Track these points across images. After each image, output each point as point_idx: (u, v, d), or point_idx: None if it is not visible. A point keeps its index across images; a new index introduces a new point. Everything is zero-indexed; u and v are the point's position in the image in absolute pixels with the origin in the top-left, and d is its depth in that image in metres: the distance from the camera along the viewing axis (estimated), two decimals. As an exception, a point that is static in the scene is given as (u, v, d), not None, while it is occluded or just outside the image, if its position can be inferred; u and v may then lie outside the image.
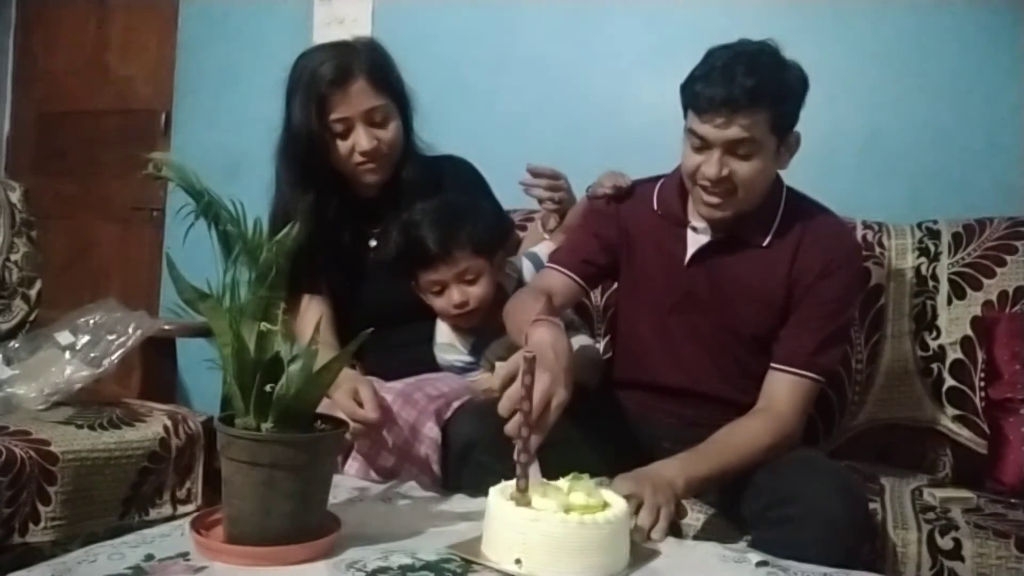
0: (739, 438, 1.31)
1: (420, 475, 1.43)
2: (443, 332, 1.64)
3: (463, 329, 1.63)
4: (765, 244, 1.42)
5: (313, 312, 1.62)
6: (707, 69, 1.33)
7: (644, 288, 1.52)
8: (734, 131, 1.30)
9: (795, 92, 1.34)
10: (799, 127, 1.40)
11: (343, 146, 1.59)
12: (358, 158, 1.60)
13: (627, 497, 1.09)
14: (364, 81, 1.58)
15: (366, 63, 1.60)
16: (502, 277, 1.63)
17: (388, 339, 1.49)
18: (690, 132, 1.36)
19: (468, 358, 1.63)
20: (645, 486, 1.16)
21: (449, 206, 1.58)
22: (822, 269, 1.38)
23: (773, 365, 1.39)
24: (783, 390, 1.36)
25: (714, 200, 1.37)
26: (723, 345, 1.45)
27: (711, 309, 1.45)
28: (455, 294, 1.55)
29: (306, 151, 1.59)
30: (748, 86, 1.27)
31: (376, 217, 1.69)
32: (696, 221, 1.46)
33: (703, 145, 1.34)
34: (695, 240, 1.46)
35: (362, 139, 1.58)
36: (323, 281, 1.65)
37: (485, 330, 1.60)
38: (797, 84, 1.34)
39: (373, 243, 1.70)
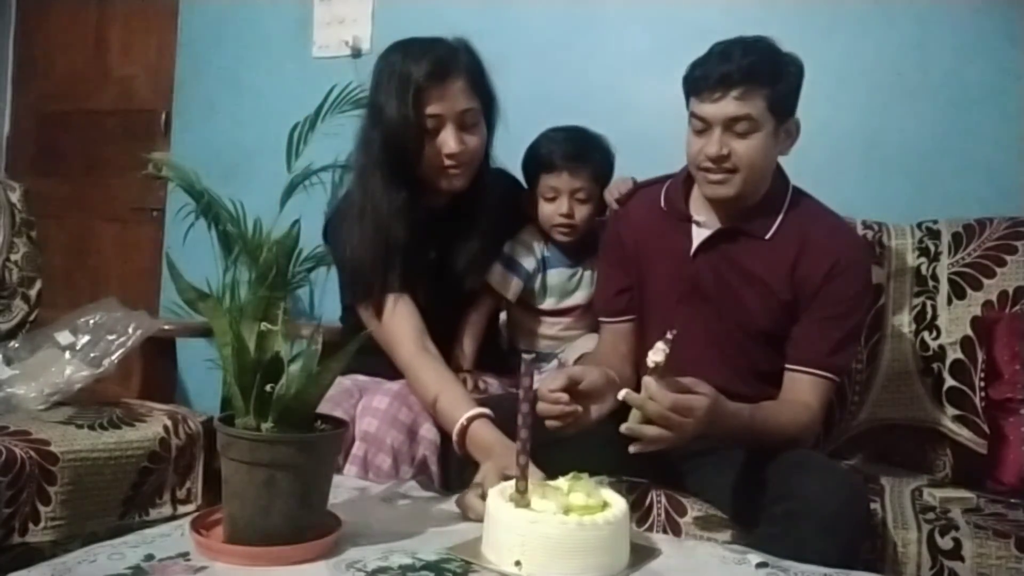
0: (780, 413, 1.34)
1: (418, 475, 1.44)
2: (532, 232, 1.77)
3: (552, 243, 1.76)
4: (768, 236, 1.44)
5: (402, 312, 1.55)
6: (706, 56, 1.39)
7: (652, 283, 1.54)
8: (732, 107, 1.34)
9: (791, 75, 1.38)
10: (801, 125, 1.42)
11: (430, 145, 1.53)
12: (445, 160, 1.54)
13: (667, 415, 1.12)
14: (463, 81, 1.54)
15: (466, 63, 1.56)
16: (595, 223, 1.74)
17: None
18: (691, 117, 1.41)
19: (533, 266, 1.74)
20: (687, 427, 1.14)
21: (587, 134, 1.74)
22: (830, 269, 1.40)
23: (790, 367, 1.41)
24: (804, 389, 1.38)
25: (716, 178, 1.39)
26: (730, 338, 1.47)
27: (717, 301, 1.46)
28: (565, 204, 1.69)
29: (402, 144, 1.52)
30: (744, 63, 1.33)
31: (440, 227, 1.64)
32: (699, 215, 1.49)
33: (704, 127, 1.38)
34: (699, 233, 1.48)
35: (451, 140, 1.52)
36: (410, 282, 1.57)
37: (565, 254, 1.76)
38: (793, 68, 1.39)
39: (432, 254, 1.65)
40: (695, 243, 1.48)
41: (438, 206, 1.65)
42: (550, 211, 1.70)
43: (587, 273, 1.75)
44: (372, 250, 1.55)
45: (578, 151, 1.69)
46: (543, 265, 1.75)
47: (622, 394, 1.16)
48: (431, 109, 1.51)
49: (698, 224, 1.49)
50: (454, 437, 1.36)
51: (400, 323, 1.54)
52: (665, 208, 1.54)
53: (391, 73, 1.53)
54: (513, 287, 1.73)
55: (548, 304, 1.76)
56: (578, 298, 1.76)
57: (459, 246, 1.65)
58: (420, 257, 1.62)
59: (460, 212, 1.65)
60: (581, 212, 1.69)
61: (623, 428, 1.14)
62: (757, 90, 1.34)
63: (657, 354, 1.15)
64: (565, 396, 1.23)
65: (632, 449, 1.14)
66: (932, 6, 2.02)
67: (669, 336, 1.17)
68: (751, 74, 1.33)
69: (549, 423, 1.23)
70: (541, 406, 1.21)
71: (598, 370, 1.30)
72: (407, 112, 1.49)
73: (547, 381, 1.25)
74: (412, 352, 1.51)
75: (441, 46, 1.56)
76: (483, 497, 1.11)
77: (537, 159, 1.73)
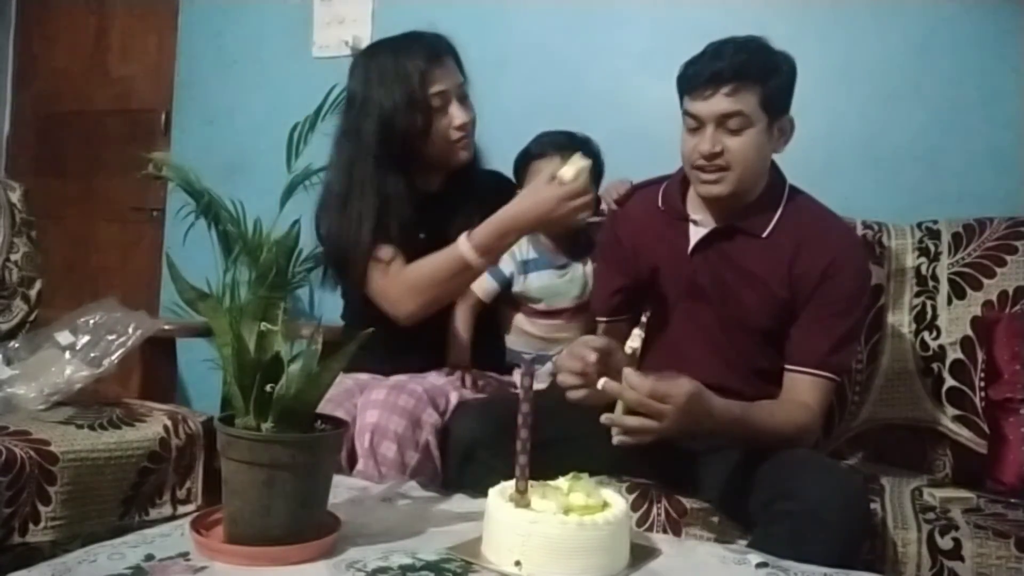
0: (777, 412, 1.34)
1: (423, 463, 1.46)
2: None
3: (538, 246, 1.79)
4: (765, 235, 1.44)
5: (403, 264, 1.62)
6: (698, 55, 1.40)
7: (650, 283, 1.54)
8: (723, 104, 1.35)
9: (783, 72, 1.39)
10: (799, 125, 1.43)
11: (438, 122, 1.62)
12: (455, 133, 1.63)
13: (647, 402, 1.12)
14: (452, 58, 1.66)
15: (447, 44, 1.67)
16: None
17: (413, 336, 1.61)
18: (684, 115, 1.42)
19: (510, 270, 1.78)
20: (666, 414, 1.14)
21: (576, 134, 1.81)
22: (826, 268, 1.40)
23: (790, 367, 1.41)
24: (804, 389, 1.38)
25: (710, 177, 1.40)
26: (728, 337, 1.47)
27: (715, 300, 1.46)
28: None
29: (407, 128, 1.60)
30: (735, 61, 1.34)
31: (431, 209, 1.69)
32: (696, 214, 1.49)
33: (697, 125, 1.39)
34: (696, 232, 1.49)
35: (459, 112, 1.63)
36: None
37: (552, 256, 1.79)
38: (785, 66, 1.39)
39: (422, 236, 1.70)
40: (692, 242, 1.48)
41: (430, 189, 1.70)
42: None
43: (577, 274, 1.75)
44: (368, 224, 1.61)
45: (569, 141, 1.74)
46: (524, 268, 1.77)
47: (601, 383, 1.16)
48: (436, 87, 1.60)
49: (695, 223, 1.49)
50: (475, 256, 1.50)
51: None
52: (663, 208, 1.54)
53: (383, 69, 1.61)
54: (486, 287, 1.74)
55: (539, 306, 1.76)
56: (568, 300, 1.76)
57: (450, 226, 1.67)
58: (410, 238, 1.67)
59: (451, 193, 1.70)
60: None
61: (603, 419, 1.15)
62: (748, 86, 1.35)
63: (634, 340, 1.16)
64: (594, 356, 1.24)
65: (615, 440, 1.15)
66: (932, 6, 2.02)
67: (644, 319, 1.18)
68: (742, 71, 1.34)
69: (564, 379, 1.25)
70: (564, 360, 1.25)
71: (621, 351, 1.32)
72: (415, 95, 1.58)
73: (584, 339, 1.29)
74: None
75: (423, 34, 1.66)
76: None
77: (529, 150, 1.77)
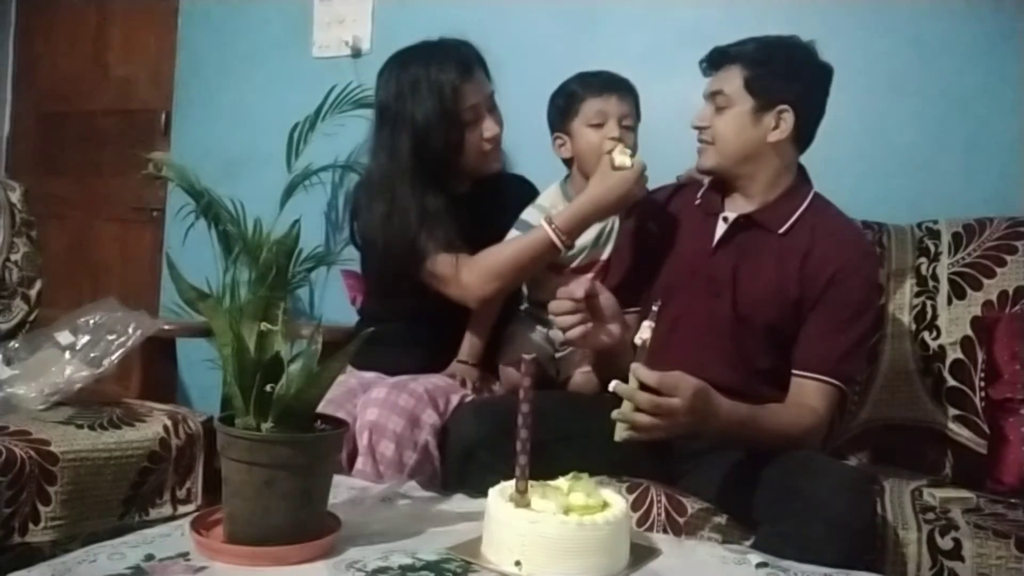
0: (783, 414, 1.36)
1: (422, 463, 1.46)
2: (549, 196, 1.75)
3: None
4: (781, 232, 1.46)
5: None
6: None
7: (669, 276, 1.55)
8: (711, 83, 1.48)
9: (777, 61, 1.43)
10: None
11: (471, 134, 1.64)
12: (486, 145, 1.66)
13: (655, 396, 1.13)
14: (480, 69, 1.68)
15: (476, 53, 1.68)
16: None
17: (422, 335, 1.67)
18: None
19: None
20: (675, 409, 1.14)
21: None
22: (835, 273, 1.41)
23: (797, 372, 1.41)
24: (810, 394, 1.39)
25: (700, 147, 1.50)
26: (736, 334, 1.47)
27: (727, 293, 1.47)
28: (615, 128, 1.66)
29: (443, 142, 1.61)
30: (731, 45, 1.44)
31: (464, 212, 1.69)
32: (729, 211, 1.51)
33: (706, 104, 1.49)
34: (722, 227, 1.51)
35: (491, 124, 1.66)
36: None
37: None
38: (782, 57, 1.44)
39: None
40: (717, 237, 1.50)
41: (462, 193, 1.71)
42: (598, 139, 1.64)
43: (613, 226, 1.72)
44: (416, 241, 1.62)
45: (619, 79, 1.71)
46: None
47: (612, 385, 1.16)
48: (469, 102, 1.62)
49: (726, 220, 1.51)
50: (560, 241, 1.56)
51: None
52: (700, 202, 1.56)
53: (415, 83, 1.61)
54: None
55: (575, 263, 1.73)
56: (605, 252, 1.73)
57: (478, 231, 1.67)
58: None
59: (479, 198, 1.72)
60: (629, 141, 1.66)
61: (615, 415, 1.14)
62: (733, 68, 1.43)
63: (644, 332, 1.17)
64: (581, 291, 1.30)
65: (624, 436, 1.15)
66: (931, 6, 2.02)
67: (655, 308, 1.18)
68: (728, 53, 1.43)
69: (563, 320, 1.31)
70: (554, 304, 1.32)
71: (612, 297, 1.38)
72: (449, 110, 1.60)
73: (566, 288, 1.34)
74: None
75: (453, 45, 1.66)
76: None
77: (579, 87, 1.70)
